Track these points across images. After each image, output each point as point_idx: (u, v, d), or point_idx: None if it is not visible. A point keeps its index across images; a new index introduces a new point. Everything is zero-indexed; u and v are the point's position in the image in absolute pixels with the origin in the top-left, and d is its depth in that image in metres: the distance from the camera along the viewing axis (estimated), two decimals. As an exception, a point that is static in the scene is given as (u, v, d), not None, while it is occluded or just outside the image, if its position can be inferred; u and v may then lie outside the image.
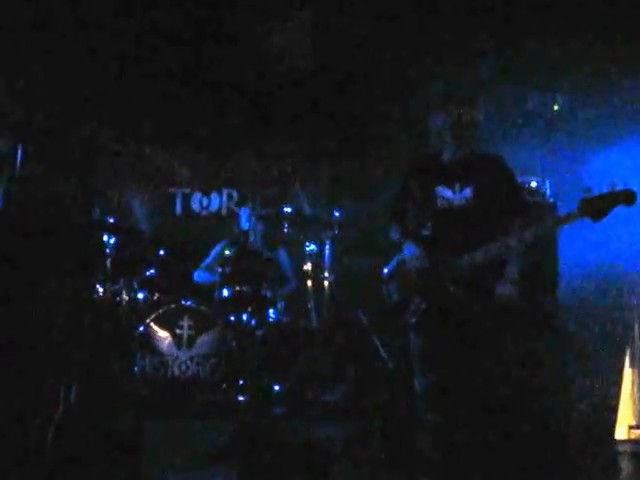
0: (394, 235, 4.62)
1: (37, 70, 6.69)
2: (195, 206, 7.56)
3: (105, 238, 5.87)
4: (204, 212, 7.56)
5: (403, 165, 4.85)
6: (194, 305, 5.73)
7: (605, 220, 4.02)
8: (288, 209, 6.38)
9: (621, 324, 5.80)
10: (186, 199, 7.57)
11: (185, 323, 5.62)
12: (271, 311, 6.03)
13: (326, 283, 6.11)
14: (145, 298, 5.99)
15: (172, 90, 7.10)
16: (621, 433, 5.38)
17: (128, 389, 5.42)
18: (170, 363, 5.55)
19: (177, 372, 5.54)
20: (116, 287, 5.95)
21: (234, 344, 5.59)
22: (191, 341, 5.59)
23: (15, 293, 5.91)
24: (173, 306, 5.70)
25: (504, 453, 4.45)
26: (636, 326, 5.83)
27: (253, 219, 6.33)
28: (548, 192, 5.88)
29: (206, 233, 7.29)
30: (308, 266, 6.21)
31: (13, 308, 5.78)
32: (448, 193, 4.43)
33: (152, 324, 5.61)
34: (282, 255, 6.53)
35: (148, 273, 6.08)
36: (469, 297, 4.27)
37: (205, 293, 6.21)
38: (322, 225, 6.17)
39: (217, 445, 4.88)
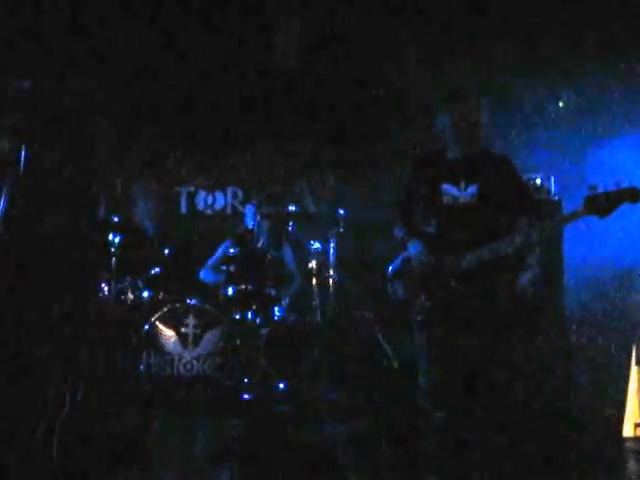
0: (399, 233, 4.60)
1: (40, 69, 6.69)
2: (200, 204, 7.56)
3: (110, 237, 5.87)
4: (209, 210, 7.57)
5: (408, 163, 4.83)
6: (199, 304, 5.74)
7: (611, 217, 4.01)
8: (293, 207, 6.38)
9: (627, 322, 5.79)
10: (191, 197, 7.57)
11: (190, 322, 5.63)
12: (276, 309, 6.04)
13: (331, 281, 6.10)
14: (150, 297, 5.99)
15: (177, 88, 7.10)
16: (628, 430, 5.37)
17: (133, 388, 5.43)
18: (175, 361, 5.56)
19: (182, 370, 5.55)
20: (121, 286, 5.96)
21: (239, 342, 5.60)
22: (196, 340, 5.60)
23: (20, 293, 5.92)
24: (178, 305, 5.71)
25: (510, 451, 4.44)
26: (642, 323, 5.82)
27: (258, 217, 6.33)
28: (553, 189, 5.86)
29: (211, 231, 7.30)
30: (313, 264, 6.21)
31: (18, 308, 5.79)
32: (453, 190, 4.42)
33: (157, 323, 5.62)
34: (287, 253, 6.53)
35: (153, 272, 6.09)
36: (474, 295, 4.26)
37: (210, 292, 6.22)
38: (327, 223, 6.16)
39: (222, 443, 4.88)
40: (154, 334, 5.59)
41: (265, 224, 6.43)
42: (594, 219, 4.05)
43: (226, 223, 7.38)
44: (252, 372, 5.56)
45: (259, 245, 6.34)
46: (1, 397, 4.96)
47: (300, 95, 7.07)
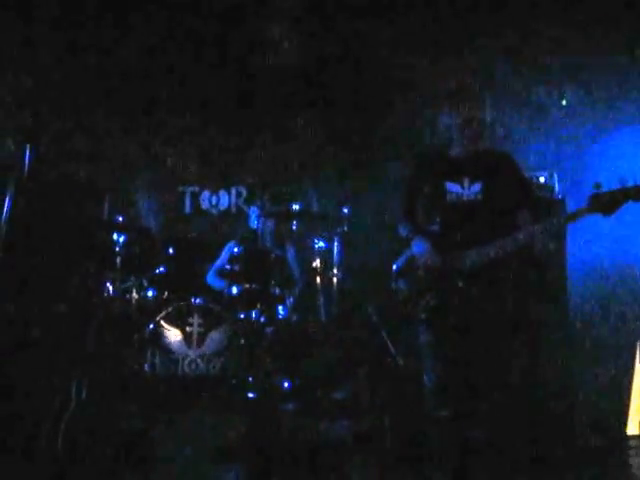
0: (403, 231, 4.61)
1: (44, 71, 6.70)
2: (204, 204, 7.56)
3: (115, 236, 5.88)
4: (213, 210, 7.57)
5: (412, 161, 4.84)
6: (204, 303, 5.74)
7: (616, 214, 4.01)
8: (297, 206, 6.39)
9: (631, 319, 5.78)
10: (195, 197, 7.58)
11: (195, 321, 5.63)
12: (280, 308, 6.04)
13: (335, 280, 6.10)
14: (155, 296, 6.00)
15: (180, 88, 7.11)
16: (632, 428, 5.37)
17: (138, 387, 5.43)
18: (180, 361, 5.55)
19: (187, 370, 5.55)
20: (126, 285, 5.96)
21: (243, 341, 5.60)
22: (201, 339, 5.60)
23: (25, 292, 5.93)
24: (183, 304, 5.71)
25: (515, 448, 4.45)
26: (647, 320, 5.82)
27: (262, 217, 6.33)
28: (557, 187, 5.86)
29: (215, 231, 7.31)
30: (317, 263, 6.21)
31: (23, 307, 5.81)
32: (457, 188, 4.43)
33: (162, 322, 5.61)
34: (290, 254, 6.52)
35: (158, 271, 6.08)
36: (479, 292, 4.27)
37: (215, 291, 6.23)
38: (331, 222, 6.16)
39: (227, 443, 4.88)
40: (159, 333, 5.59)
41: (269, 224, 6.42)
42: (598, 217, 4.06)
43: (230, 222, 7.39)
44: (256, 371, 5.55)
45: (263, 245, 6.34)
46: (7, 395, 4.97)
47: (304, 94, 7.07)
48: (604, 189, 4.04)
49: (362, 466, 4.85)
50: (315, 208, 7.15)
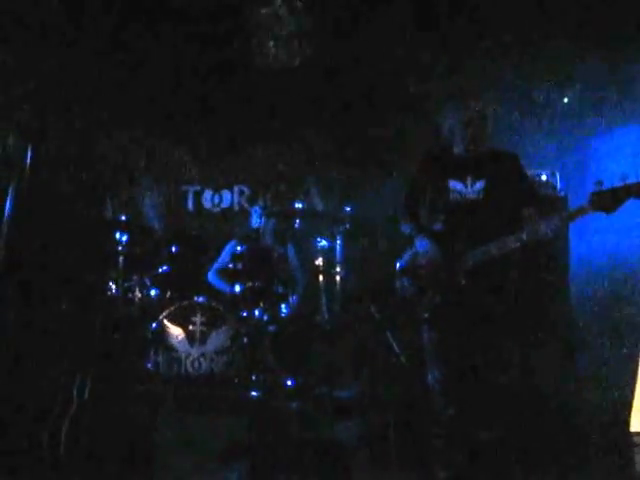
0: (406, 229, 4.62)
1: (46, 69, 6.70)
2: (207, 203, 7.56)
3: (118, 236, 5.88)
4: (216, 209, 7.57)
5: (415, 160, 4.85)
6: (206, 302, 5.75)
7: (618, 212, 4.01)
8: (300, 205, 6.39)
9: (635, 315, 5.78)
10: (197, 196, 7.58)
11: (198, 319, 5.65)
12: (283, 307, 6.05)
13: (338, 278, 6.11)
14: (158, 295, 6.01)
15: (183, 88, 7.12)
16: (636, 425, 5.36)
17: (141, 385, 5.44)
18: (183, 359, 5.57)
19: (190, 368, 5.56)
20: (129, 284, 5.97)
21: (246, 340, 5.61)
22: (204, 337, 5.61)
23: (27, 291, 5.94)
24: (186, 303, 5.72)
25: (519, 446, 4.45)
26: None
27: (264, 216, 6.34)
28: (558, 185, 5.87)
29: (218, 230, 7.31)
30: (320, 261, 6.21)
31: (25, 307, 5.81)
32: (460, 187, 4.43)
33: (165, 321, 5.63)
34: (291, 253, 6.52)
35: (160, 270, 6.09)
36: (482, 290, 4.27)
37: (217, 290, 6.24)
38: (333, 221, 6.16)
39: (231, 441, 4.89)
40: (162, 332, 5.60)
41: (271, 223, 6.43)
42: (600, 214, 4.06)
43: (233, 221, 7.39)
44: (260, 369, 5.57)
45: (265, 243, 6.35)
46: (9, 395, 4.98)
47: (307, 93, 7.08)
48: (606, 186, 4.03)
49: (366, 465, 4.85)
50: (318, 207, 7.15)
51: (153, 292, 6.02)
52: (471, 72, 6.59)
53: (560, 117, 6.61)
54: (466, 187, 4.44)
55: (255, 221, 6.43)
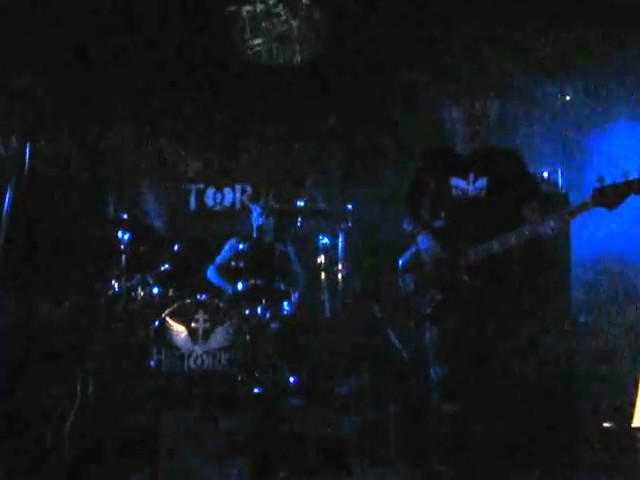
0: (408, 226, 4.63)
1: (47, 67, 6.72)
2: (209, 201, 7.57)
3: (120, 234, 5.89)
4: (218, 207, 7.58)
5: (416, 158, 4.86)
6: (209, 299, 5.76)
7: (620, 208, 4.02)
8: (302, 203, 6.41)
9: (638, 310, 5.78)
10: (200, 194, 7.59)
11: (200, 317, 5.65)
12: (285, 304, 6.06)
13: (339, 276, 6.12)
14: (160, 293, 6.01)
15: (185, 86, 7.12)
16: (639, 421, 5.36)
17: (144, 383, 5.45)
18: (186, 357, 5.58)
19: (193, 366, 5.57)
20: (131, 283, 5.98)
21: (249, 337, 5.62)
22: (206, 335, 5.61)
23: (29, 289, 5.95)
24: (188, 300, 5.73)
25: (520, 442, 4.46)
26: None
27: (265, 214, 6.34)
28: (560, 182, 5.87)
29: (220, 228, 7.32)
30: (321, 259, 6.22)
31: (28, 304, 5.82)
32: (462, 184, 4.44)
33: (168, 319, 5.63)
34: (290, 251, 6.53)
35: (163, 268, 6.10)
36: (484, 287, 4.28)
37: (219, 287, 6.26)
38: (335, 218, 6.18)
39: (233, 438, 4.89)
40: (164, 330, 5.61)
41: (271, 221, 6.43)
42: (602, 210, 4.07)
43: (235, 220, 7.40)
44: (262, 366, 5.58)
45: (267, 241, 6.36)
46: (13, 392, 4.99)
47: (308, 91, 7.08)
48: (607, 183, 4.04)
49: (367, 461, 4.86)
50: (320, 205, 7.16)
51: (155, 290, 6.02)
52: (472, 70, 6.59)
53: (562, 114, 6.62)
54: (468, 184, 4.45)
55: (255, 219, 6.43)
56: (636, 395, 5.30)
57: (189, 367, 5.56)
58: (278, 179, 7.30)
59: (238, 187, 7.56)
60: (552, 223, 4.18)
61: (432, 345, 4.45)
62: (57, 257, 6.38)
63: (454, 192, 4.46)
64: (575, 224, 5.13)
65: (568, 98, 6.65)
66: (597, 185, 4.07)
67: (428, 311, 4.40)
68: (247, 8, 6.97)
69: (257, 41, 7.04)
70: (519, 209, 4.42)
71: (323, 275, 6.20)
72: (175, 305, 5.68)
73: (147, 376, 5.48)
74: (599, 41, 6.35)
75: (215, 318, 5.63)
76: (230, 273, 6.11)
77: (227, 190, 7.57)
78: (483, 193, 4.42)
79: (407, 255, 4.59)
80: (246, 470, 4.71)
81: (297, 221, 6.37)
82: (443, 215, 4.47)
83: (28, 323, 5.70)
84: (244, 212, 7.28)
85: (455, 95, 4.62)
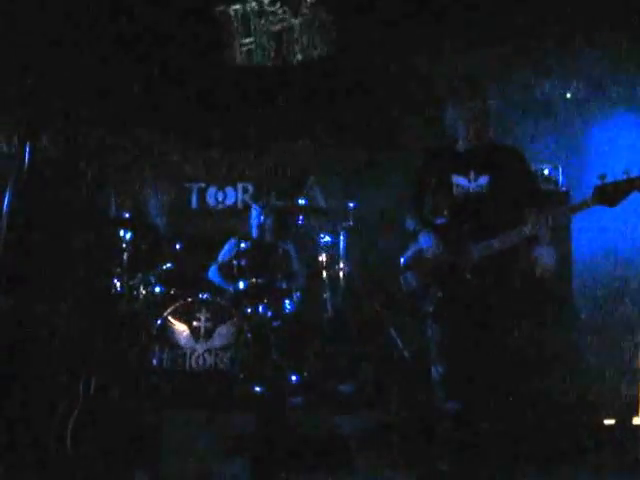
0: (410, 224, 4.63)
1: (47, 66, 6.71)
2: (211, 200, 7.57)
3: (122, 233, 5.90)
4: (220, 206, 7.57)
5: (418, 156, 4.86)
6: (211, 298, 5.76)
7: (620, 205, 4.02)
8: (303, 201, 6.41)
9: (638, 308, 5.78)
10: (201, 193, 7.58)
11: (202, 316, 5.66)
12: (287, 302, 6.06)
13: (341, 274, 6.12)
14: (162, 292, 6.02)
15: (186, 85, 7.12)
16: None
17: (146, 382, 5.45)
18: (188, 355, 5.58)
19: (195, 364, 5.58)
20: (133, 282, 5.99)
21: (250, 336, 5.62)
22: (208, 333, 5.62)
23: (33, 288, 5.95)
24: (190, 299, 5.73)
25: (522, 440, 4.46)
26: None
27: (265, 214, 6.34)
28: (561, 180, 5.87)
29: (222, 227, 7.32)
30: (323, 257, 6.22)
31: (29, 303, 5.83)
32: (463, 181, 4.44)
33: (169, 317, 5.64)
34: (291, 250, 6.52)
35: (165, 267, 6.10)
36: (486, 285, 4.28)
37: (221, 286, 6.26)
38: (337, 216, 6.18)
39: (235, 437, 4.90)
40: (166, 329, 5.62)
41: (270, 220, 6.42)
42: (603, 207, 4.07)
43: (237, 219, 7.39)
44: (264, 365, 5.58)
45: (268, 240, 6.36)
46: (16, 391, 5.00)
47: (310, 91, 7.08)
48: (608, 180, 4.04)
49: (370, 460, 4.86)
50: (321, 203, 7.15)
51: (157, 289, 6.03)
52: (474, 68, 6.59)
53: (562, 112, 6.62)
54: (469, 182, 4.44)
55: (257, 218, 6.43)
56: (637, 392, 5.32)
57: (191, 366, 5.56)
58: (280, 178, 7.30)
59: (239, 186, 7.56)
60: (553, 221, 4.18)
61: (434, 343, 4.45)
62: (58, 257, 6.37)
63: (455, 190, 4.46)
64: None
65: (569, 95, 6.64)
66: (598, 182, 4.06)
67: (430, 309, 4.40)
68: (236, 7, 6.97)
69: (248, 40, 7.04)
70: (521, 207, 4.41)
71: (325, 273, 6.20)
72: (177, 304, 5.69)
73: (149, 375, 5.49)
74: (599, 38, 6.34)
75: (217, 317, 5.64)
76: (231, 272, 6.11)
77: (229, 189, 7.57)
78: (484, 190, 4.41)
79: (409, 253, 4.59)
80: (249, 470, 4.72)
81: (298, 220, 6.36)
82: (445, 213, 4.47)
83: (28, 323, 5.71)
84: (245, 211, 7.28)
85: (456, 93, 4.61)
